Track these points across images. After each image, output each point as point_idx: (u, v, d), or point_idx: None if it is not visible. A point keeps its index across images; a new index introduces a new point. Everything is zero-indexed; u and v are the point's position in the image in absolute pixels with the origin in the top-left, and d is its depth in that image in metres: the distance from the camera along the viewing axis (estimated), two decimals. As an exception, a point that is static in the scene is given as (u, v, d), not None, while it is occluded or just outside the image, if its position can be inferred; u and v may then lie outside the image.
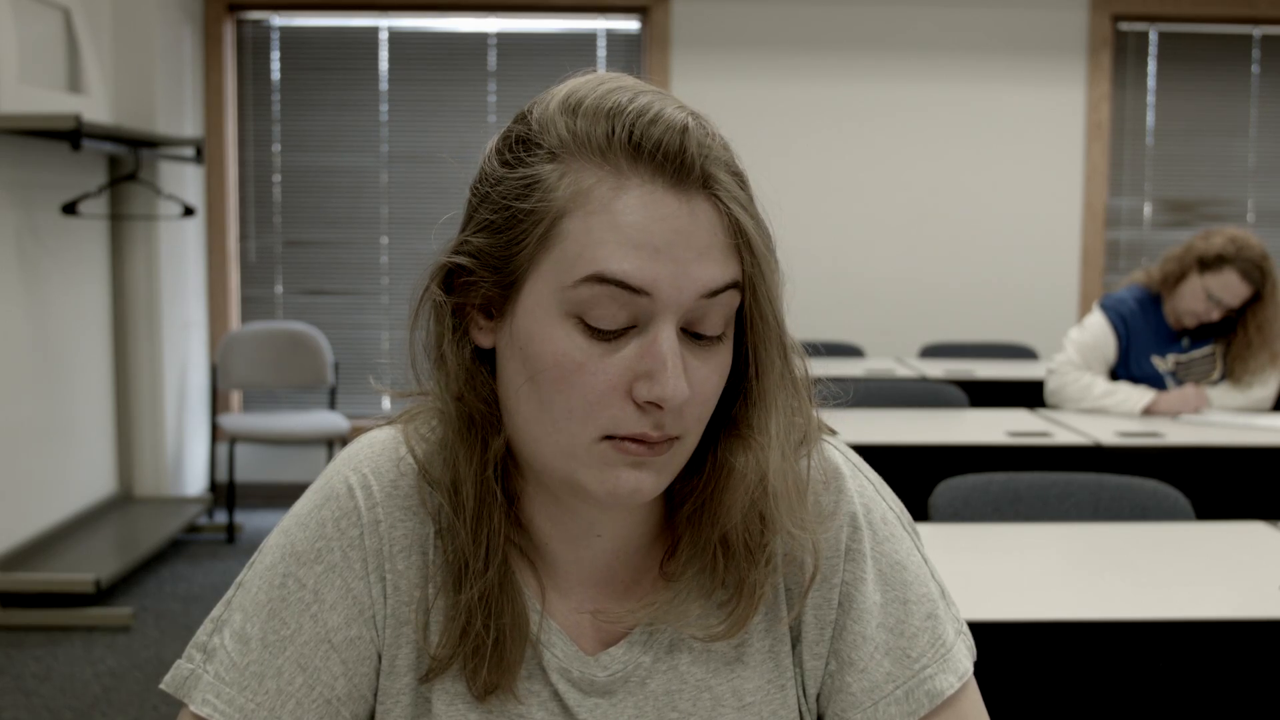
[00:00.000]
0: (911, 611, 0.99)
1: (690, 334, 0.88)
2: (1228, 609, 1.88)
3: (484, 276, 0.91)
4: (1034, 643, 1.86)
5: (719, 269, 0.87)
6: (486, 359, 0.95)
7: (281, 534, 0.98)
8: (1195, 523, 2.44)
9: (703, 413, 0.90)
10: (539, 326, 0.88)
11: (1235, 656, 1.89)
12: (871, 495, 1.03)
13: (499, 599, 0.94)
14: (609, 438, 0.88)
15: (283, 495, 5.84)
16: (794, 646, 1.00)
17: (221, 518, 5.51)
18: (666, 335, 0.86)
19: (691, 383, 0.87)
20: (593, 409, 0.86)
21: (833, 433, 1.03)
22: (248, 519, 5.62)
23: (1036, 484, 2.50)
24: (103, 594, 4.34)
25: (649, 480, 0.89)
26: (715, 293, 0.87)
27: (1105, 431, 3.32)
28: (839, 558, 0.99)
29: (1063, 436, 3.26)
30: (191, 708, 0.94)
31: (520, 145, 0.91)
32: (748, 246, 0.87)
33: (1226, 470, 3.21)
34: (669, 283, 0.85)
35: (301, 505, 1.00)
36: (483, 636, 0.93)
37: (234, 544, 5.32)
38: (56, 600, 4.25)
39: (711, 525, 0.94)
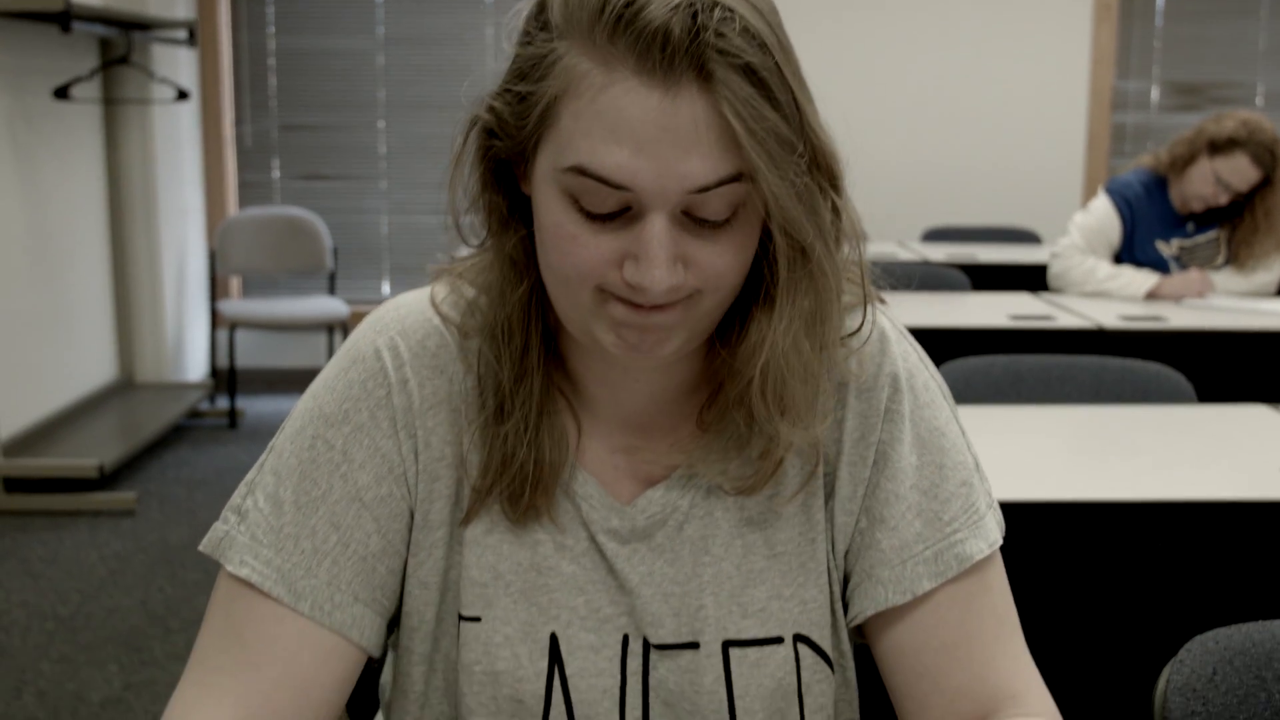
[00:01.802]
0: (946, 477, 1.00)
1: (694, 218, 0.86)
2: (1228, 490, 1.88)
3: (506, 136, 0.90)
4: (1035, 523, 1.86)
5: (709, 165, 0.83)
6: (526, 207, 0.94)
7: (310, 398, 1.00)
8: (1197, 405, 2.44)
9: (717, 285, 0.88)
10: (542, 196, 0.88)
11: (1235, 537, 1.89)
12: (915, 362, 1.03)
13: (539, 425, 0.96)
14: (603, 290, 0.88)
15: (284, 380, 5.85)
16: (826, 502, 1.01)
17: (223, 403, 5.52)
18: (654, 226, 0.84)
19: (698, 263, 0.86)
20: (585, 277, 0.87)
21: (882, 302, 1.02)
22: (249, 404, 5.63)
23: (1038, 366, 2.49)
24: (106, 479, 4.37)
25: (658, 344, 0.89)
26: (705, 189, 0.84)
27: (1108, 315, 3.31)
28: (878, 417, 1.00)
29: (1065, 320, 3.25)
30: (229, 568, 0.95)
31: (535, 18, 0.89)
32: (751, 140, 0.82)
33: (1229, 354, 3.20)
34: (652, 180, 0.83)
35: (329, 370, 1.01)
36: (525, 462, 0.95)
37: (236, 429, 5.34)
38: (61, 485, 4.28)
39: (734, 386, 0.94)
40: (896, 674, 1.00)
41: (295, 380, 5.85)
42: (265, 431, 5.26)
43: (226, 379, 5.45)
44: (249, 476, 1.00)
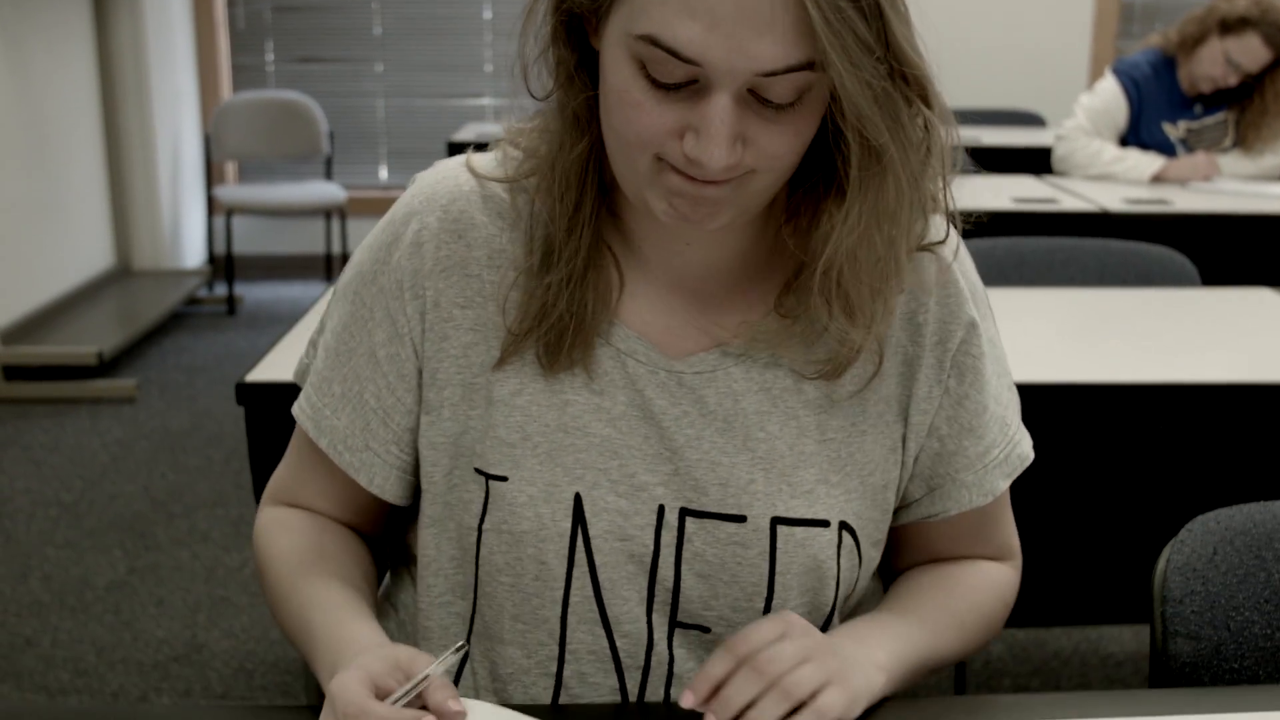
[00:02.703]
0: (1003, 383, 1.07)
1: (759, 98, 0.85)
2: (1231, 373, 1.87)
3: None
4: (1037, 406, 1.85)
5: (781, 49, 0.82)
6: (593, 63, 0.94)
7: (359, 252, 1.06)
8: (1200, 289, 2.42)
9: (772, 166, 0.88)
10: (611, 58, 0.88)
11: (1237, 420, 1.89)
12: (974, 274, 1.07)
13: (584, 277, 0.97)
14: (661, 160, 0.89)
15: (282, 267, 5.82)
16: (906, 403, 1.02)
17: (221, 290, 5.50)
18: (718, 103, 0.84)
19: (757, 143, 0.86)
20: (645, 143, 0.87)
21: (967, 222, 1.01)
22: (248, 291, 5.61)
23: (1042, 249, 2.47)
24: (106, 366, 4.37)
25: (706, 215, 0.90)
26: (774, 73, 0.83)
27: (1113, 199, 3.28)
28: (959, 326, 1.02)
29: (1069, 203, 3.21)
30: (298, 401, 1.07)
31: None
32: (826, 29, 0.81)
33: (1234, 237, 3.18)
34: (721, 58, 0.82)
35: (374, 230, 1.06)
36: (564, 312, 0.96)
37: (234, 315, 5.32)
38: (60, 373, 4.27)
39: (807, 273, 0.95)
40: (935, 545, 1.09)
41: (293, 266, 5.82)
42: (264, 318, 5.25)
43: (224, 265, 5.42)
44: (324, 310, 1.09)
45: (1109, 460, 1.92)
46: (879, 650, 0.96)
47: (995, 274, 2.42)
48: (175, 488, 3.48)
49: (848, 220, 0.90)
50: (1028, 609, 2.15)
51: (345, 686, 0.83)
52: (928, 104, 0.89)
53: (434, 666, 0.85)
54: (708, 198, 0.89)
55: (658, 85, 0.85)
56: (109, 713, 0.93)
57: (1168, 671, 1.16)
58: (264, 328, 5.07)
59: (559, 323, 0.96)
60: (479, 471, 0.99)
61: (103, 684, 2.51)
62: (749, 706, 0.85)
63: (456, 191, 1.02)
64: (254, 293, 5.63)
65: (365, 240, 1.06)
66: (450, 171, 1.04)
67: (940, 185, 0.94)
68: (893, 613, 1.03)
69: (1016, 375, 1.80)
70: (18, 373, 4.24)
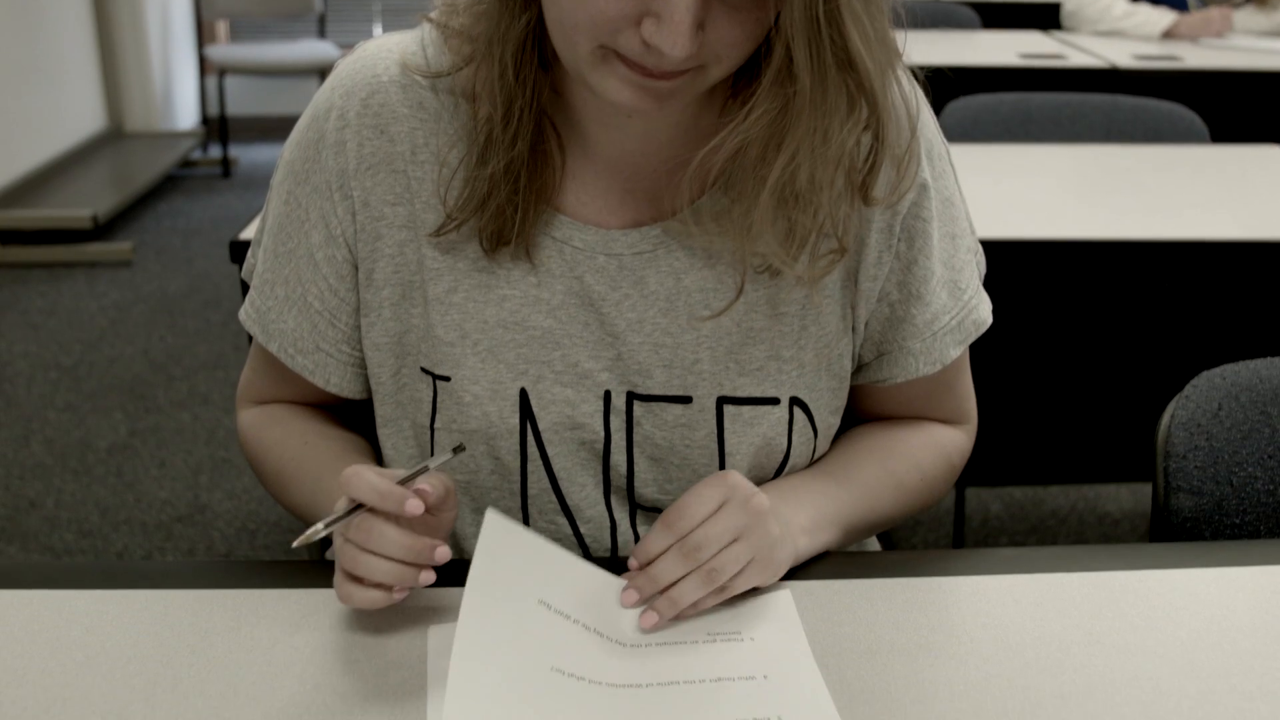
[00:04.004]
0: (959, 245, 1.01)
1: None
2: (1239, 230, 1.85)
3: None
4: (1043, 262, 1.84)
5: None
6: None
7: (287, 149, 1.01)
8: (1210, 145, 2.39)
9: (727, 57, 0.82)
10: None
11: (1244, 277, 1.88)
12: (933, 129, 1.01)
13: (526, 163, 0.91)
14: (606, 48, 0.82)
15: (276, 128, 5.75)
16: (855, 269, 0.97)
17: (215, 152, 5.43)
18: None
19: (717, 32, 0.80)
20: (596, 29, 0.80)
21: (916, 78, 0.96)
22: (242, 152, 5.54)
23: (1049, 104, 2.42)
24: (101, 229, 4.34)
25: (653, 103, 0.84)
26: None
27: (1122, 54, 3.21)
28: (909, 189, 0.95)
29: (1078, 59, 3.15)
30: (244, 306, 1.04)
31: None
32: None
33: (1245, 94, 3.12)
34: None
35: (300, 123, 1.01)
36: (506, 200, 0.92)
37: (229, 178, 5.27)
38: (55, 237, 4.24)
39: (747, 156, 0.87)
40: (885, 406, 1.07)
41: (288, 127, 5.69)
42: (259, 180, 5.20)
43: (218, 127, 5.35)
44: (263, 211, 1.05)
45: (1114, 317, 1.91)
46: (802, 513, 0.95)
47: (1001, 130, 2.38)
48: (174, 350, 3.48)
49: (791, 104, 0.83)
50: (1027, 466, 2.16)
51: (351, 469, 0.83)
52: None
53: (432, 461, 0.87)
54: (655, 89, 0.83)
55: None
56: (116, 568, 0.93)
57: (1168, 527, 1.16)
58: (260, 190, 5.02)
59: (498, 213, 0.92)
60: (425, 371, 0.97)
61: (107, 544, 2.53)
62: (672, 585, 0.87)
63: (375, 84, 0.95)
64: (249, 154, 5.57)
65: (292, 134, 1.01)
66: (369, 60, 0.97)
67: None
68: (829, 474, 1.02)
69: (1022, 231, 1.77)
70: (12, 236, 4.21)
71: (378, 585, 0.82)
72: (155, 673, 0.80)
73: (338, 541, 0.83)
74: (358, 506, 0.82)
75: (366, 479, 0.81)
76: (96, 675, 0.80)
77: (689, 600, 0.86)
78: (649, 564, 0.88)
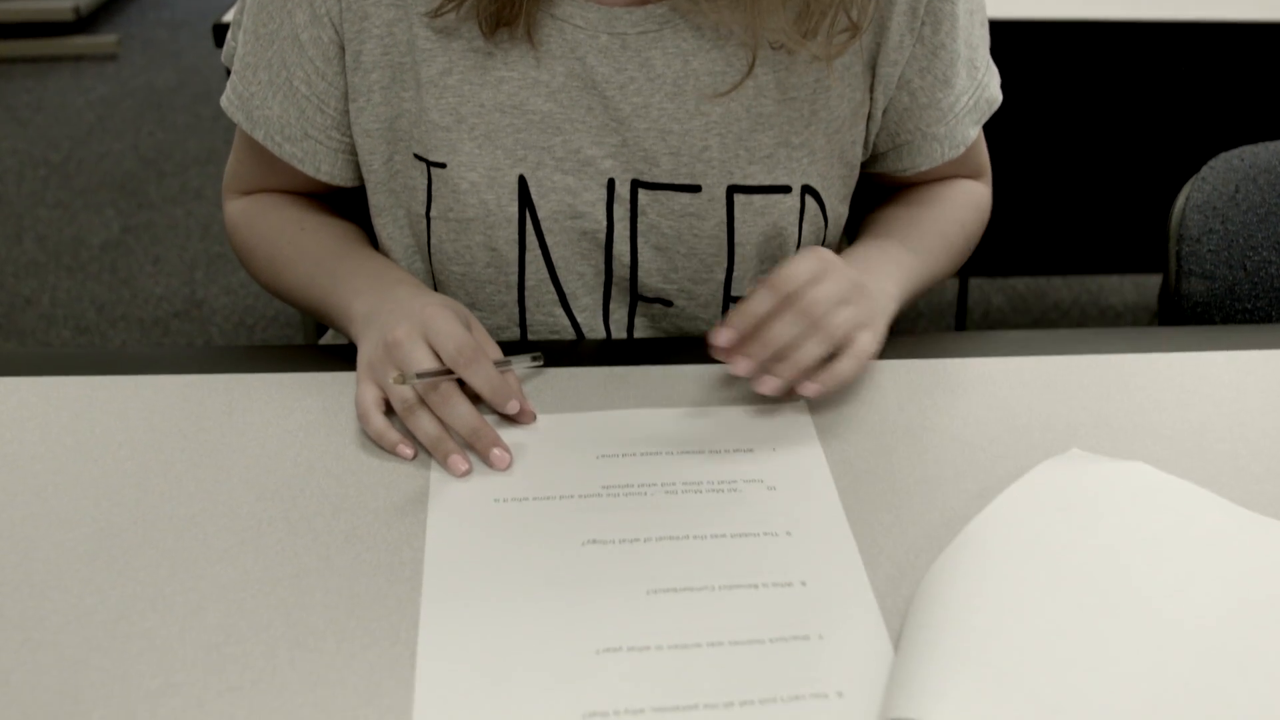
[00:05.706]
0: (975, 20, 0.97)
1: None
2: (1258, 10, 1.80)
3: None
4: (1056, 44, 1.78)
5: None
6: None
7: None
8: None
9: None
10: None
11: (1263, 59, 1.82)
12: None
13: None
14: None
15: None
16: (875, 53, 0.93)
17: (199, -58, 5.25)
18: None
19: None
20: None
21: None
22: (227, -57, 5.36)
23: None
24: (84, 22, 4.22)
25: None
26: None
27: None
28: None
29: None
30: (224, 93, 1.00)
31: None
32: None
33: None
34: None
35: None
36: None
37: (215, -30, 5.11)
38: (37, 30, 4.12)
39: None
40: (903, 185, 1.05)
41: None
42: (246, -29, 5.03)
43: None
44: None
45: (1127, 103, 1.86)
46: (889, 281, 0.92)
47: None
48: (164, 145, 3.41)
49: None
50: (1031, 256, 2.14)
51: (444, 318, 0.81)
52: None
53: (516, 362, 0.86)
54: None
55: None
56: (105, 354, 0.91)
57: (1179, 312, 1.14)
58: (246, -19, 4.87)
59: None
60: (419, 158, 0.93)
61: (104, 340, 2.53)
62: (787, 348, 0.82)
63: None
64: (233, -56, 5.38)
65: None
66: None
67: None
68: (894, 239, 0.99)
69: (1034, 11, 1.70)
70: (-7, 29, 4.10)
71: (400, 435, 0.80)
72: (146, 458, 0.79)
73: (401, 389, 0.81)
74: (447, 371, 0.80)
75: (485, 370, 0.80)
76: (87, 460, 0.79)
77: (811, 359, 0.81)
78: (755, 328, 0.82)
